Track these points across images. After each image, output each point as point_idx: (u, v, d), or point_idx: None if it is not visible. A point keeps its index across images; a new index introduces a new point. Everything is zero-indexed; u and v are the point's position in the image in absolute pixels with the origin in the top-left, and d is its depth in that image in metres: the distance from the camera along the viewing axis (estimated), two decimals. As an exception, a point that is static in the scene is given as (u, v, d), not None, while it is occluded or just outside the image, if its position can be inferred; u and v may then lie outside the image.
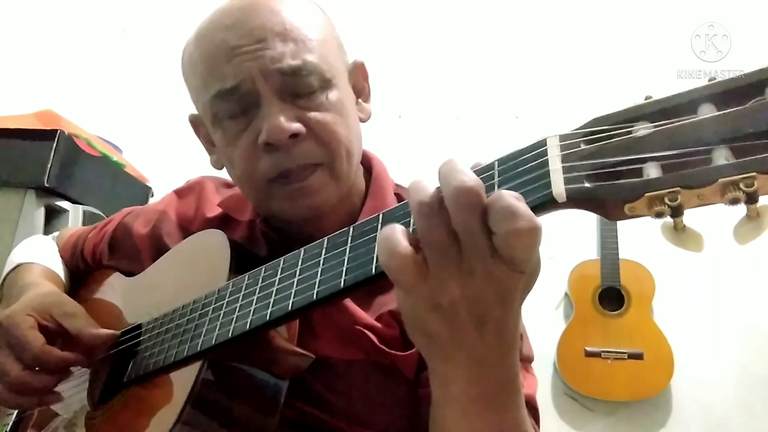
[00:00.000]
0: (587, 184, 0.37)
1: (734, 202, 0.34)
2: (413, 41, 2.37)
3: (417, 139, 2.26)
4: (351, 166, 0.70)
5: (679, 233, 0.36)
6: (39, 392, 0.67)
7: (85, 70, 2.33)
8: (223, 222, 0.78)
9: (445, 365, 0.42)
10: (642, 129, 0.37)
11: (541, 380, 2.00)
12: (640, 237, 1.99)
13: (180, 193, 0.86)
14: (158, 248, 0.80)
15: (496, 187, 0.41)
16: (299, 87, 0.65)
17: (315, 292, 0.49)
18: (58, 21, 2.36)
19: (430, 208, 0.39)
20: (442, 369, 0.43)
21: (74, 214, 1.58)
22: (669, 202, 0.35)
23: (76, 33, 2.37)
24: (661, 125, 0.37)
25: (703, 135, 0.35)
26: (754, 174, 0.33)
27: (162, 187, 1.85)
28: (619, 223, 1.97)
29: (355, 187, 0.75)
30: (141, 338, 0.69)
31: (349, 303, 0.66)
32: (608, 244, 2.04)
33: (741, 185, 0.33)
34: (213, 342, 0.57)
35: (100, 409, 0.70)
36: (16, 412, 0.83)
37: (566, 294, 2.10)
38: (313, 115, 0.65)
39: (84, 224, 1.56)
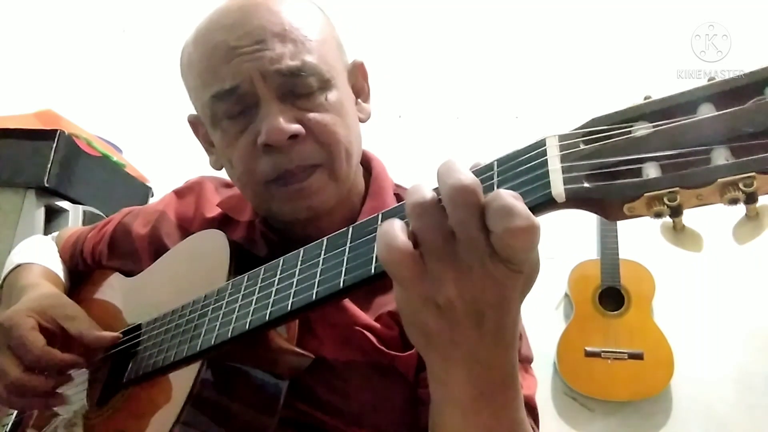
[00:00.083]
0: (586, 185, 0.37)
1: (733, 202, 0.34)
2: (413, 41, 2.37)
3: (417, 139, 2.26)
4: (350, 166, 0.70)
5: (679, 233, 0.36)
6: (39, 394, 0.67)
7: (85, 70, 2.33)
8: (223, 222, 0.78)
9: (444, 365, 0.42)
10: (641, 129, 0.37)
11: (541, 380, 2.00)
12: (640, 237, 1.99)
13: (179, 193, 0.86)
14: (157, 248, 0.80)
15: (495, 188, 0.41)
16: (298, 88, 0.65)
17: (314, 292, 0.49)
18: (58, 21, 2.36)
19: (422, 209, 0.39)
20: (440, 369, 0.43)
21: (74, 214, 1.58)
22: (668, 202, 0.35)
23: (76, 33, 2.37)
24: (660, 125, 0.37)
25: (703, 135, 0.35)
26: (753, 174, 0.33)
27: (162, 187, 1.85)
28: (619, 223, 1.97)
29: (355, 188, 0.75)
30: (140, 338, 0.69)
31: (348, 303, 0.66)
32: (608, 244, 2.04)
33: (740, 185, 0.33)
34: (212, 342, 0.57)
35: (100, 409, 0.70)
36: (15, 412, 0.83)
37: (566, 294, 2.10)
38: (312, 116, 0.65)
39: (84, 224, 1.56)
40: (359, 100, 0.76)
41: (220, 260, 0.65)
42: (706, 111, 0.36)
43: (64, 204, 1.57)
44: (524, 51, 2.31)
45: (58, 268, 0.90)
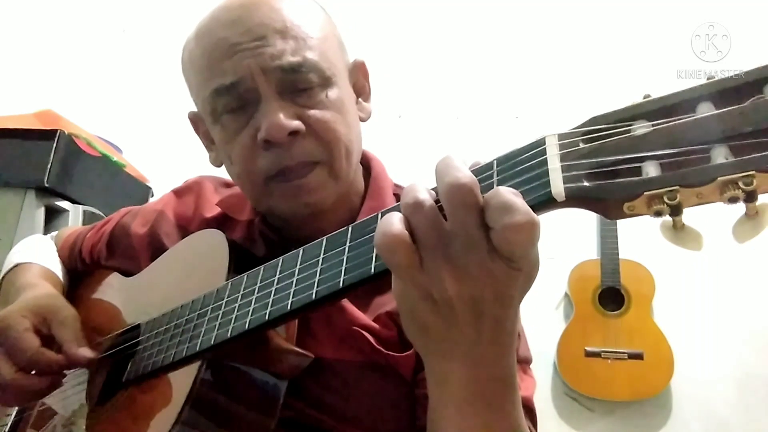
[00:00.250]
0: (586, 183, 0.37)
1: (733, 200, 0.34)
2: (413, 41, 2.37)
3: (417, 139, 2.26)
4: (350, 164, 0.70)
5: (678, 232, 0.36)
6: (33, 395, 0.67)
7: (85, 70, 2.34)
8: (222, 222, 0.78)
9: (442, 364, 0.42)
10: (641, 128, 0.37)
11: (541, 380, 2.00)
12: (640, 237, 1.99)
13: (178, 192, 0.86)
14: (156, 248, 0.80)
15: (495, 186, 0.41)
16: (299, 84, 0.65)
17: (314, 291, 0.49)
18: (58, 21, 2.36)
19: (415, 208, 0.39)
20: (439, 368, 0.43)
21: (74, 214, 1.58)
22: (668, 201, 0.35)
23: (76, 33, 2.37)
24: (659, 124, 0.37)
25: (702, 133, 0.35)
26: (752, 172, 0.33)
27: (162, 187, 1.85)
28: (619, 222, 1.97)
29: (355, 187, 0.75)
30: (140, 338, 0.69)
31: (346, 304, 0.66)
32: (608, 244, 2.04)
33: (740, 184, 0.33)
34: (212, 342, 0.57)
35: (99, 409, 0.70)
36: (15, 411, 0.83)
37: (566, 294, 2.09)
38: (312, 112, 0.65)
39: (84, 224, 1.56)
40: (360, 99, 0.76)
41: (219, 260, 0.65)
42: (706, 110, 0.36)
43: (64, 204, 1.57)
44: (524, 51, 2.31)
45: (57, 268, 0.90)
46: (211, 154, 0.76)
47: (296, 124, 0.63)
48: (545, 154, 0.39)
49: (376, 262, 0.45)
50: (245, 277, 0.59)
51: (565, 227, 1.98)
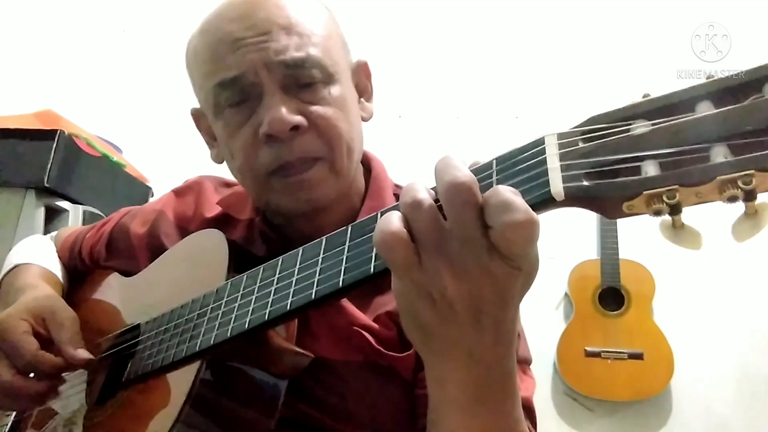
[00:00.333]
0: (585, 183, 0.37)
1: (732, 199, 0.34)
2: (413, 41, 2.37)
3: (417, 139, 2.26)
4: (351, 162, 0.70)
5: (678, 231, 0.36)
6: (31, 397, 0.67)
7: (85, 70, 2.34)
8: (222, 222, 0.78)
9: (442, 364, 0.42)
10: (640, 127, 0.37)
11: (541, 380, 2.00)
12: (640, 237, 1.99)
13: (178, 192, 0.86)
14: (156, 248, 0.80)
15: (494, 186, 0.41)
16: (302, 79, 0.65)
17: (314, 291, 0.49)
18: (58, 21, 2.36)
19: (414, 207, 0.39)
20: (438, 368, 0.43)
21: (74, 214, 1.58)
22: (667, 200, 0.35)
23: (76, 33, 2.37)
24: (659, 123, 0.36)
25: (701, 133, 0.35)
26: (752, 171, 0.33)
27: (162, 187, 1.85)
28: (618, 222, 1.97)
29: (355, 187, 0.75)
30: (140, 338, 0.69)
31: (346, 303, 0.66)
32: (608, 244, 2.04)
33: (739, 183, 0.33)
34: (212, 342, 0.57)
35: (99, 409, 0.70)
36: (15, 412, 0.83)
37: (566, 294, 2.09)
38: (314, 108, 0.65)
39: (84, 224, 1.55)
40: (362, 99, 0.76)
41: (219, 260, 0.65)
42: (705, 109, 0.36)
43: (64, 204, 1.57)
44: (524, 51, 2.31)
45: (57, 269, 0.90)
46: (213, 150, 0.76)
47: (298, 119, 0.64)
48: (544, 153, 0.39)
49: (375, 261, 0.45)
50: (245, 277, 0.59)
51: (565, 227, 1.98)
